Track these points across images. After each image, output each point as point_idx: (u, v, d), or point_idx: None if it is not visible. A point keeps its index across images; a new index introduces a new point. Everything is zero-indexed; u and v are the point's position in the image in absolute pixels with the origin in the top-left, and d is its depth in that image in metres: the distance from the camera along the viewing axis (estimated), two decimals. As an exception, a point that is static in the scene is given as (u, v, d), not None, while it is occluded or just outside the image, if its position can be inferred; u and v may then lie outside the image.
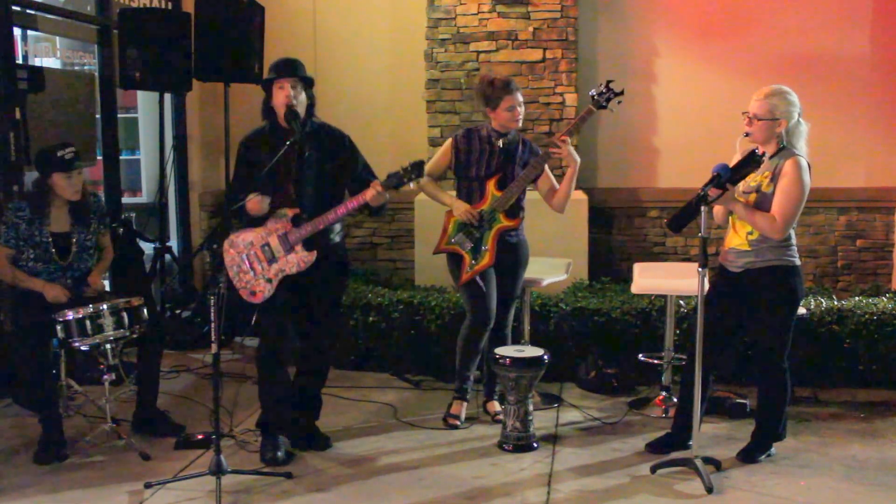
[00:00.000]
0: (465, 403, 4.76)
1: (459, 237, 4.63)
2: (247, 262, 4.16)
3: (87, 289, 4.51)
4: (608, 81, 4.52)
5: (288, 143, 4.02)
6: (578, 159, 4.55)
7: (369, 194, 4.01)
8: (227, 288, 4.15)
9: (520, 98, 4.58)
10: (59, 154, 4.34)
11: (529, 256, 4.79)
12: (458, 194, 4.70)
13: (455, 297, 5.55)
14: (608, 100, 4.52)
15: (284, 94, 4.08)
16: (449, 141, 4.73)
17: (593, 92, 4.56)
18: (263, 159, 4.06)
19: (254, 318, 4.24)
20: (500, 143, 4.60)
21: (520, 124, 4.62)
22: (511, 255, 4.66)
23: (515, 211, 4.63)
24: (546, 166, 4.67)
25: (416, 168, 4.00)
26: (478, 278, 4.60)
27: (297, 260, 4.10)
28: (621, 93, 4.52)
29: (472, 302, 4.65)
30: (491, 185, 4.58)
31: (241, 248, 4.18)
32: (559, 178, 4.69)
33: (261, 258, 4.14)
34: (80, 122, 5.97)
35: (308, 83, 4.18)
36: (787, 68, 6.33)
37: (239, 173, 4.26)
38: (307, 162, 4.12)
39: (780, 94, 3.96)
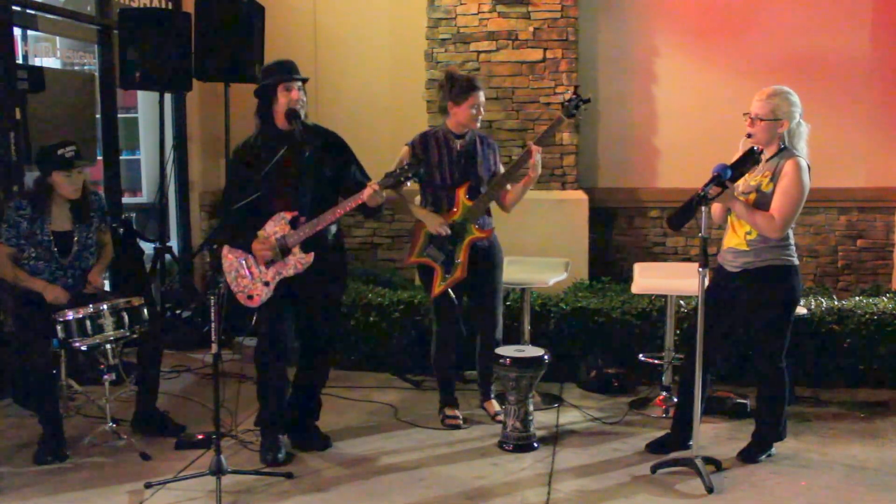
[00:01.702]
0: (455, 408, 4.78)
1: (431, 249, 4.59)
2: (244, 267, 4.16)
3: (88, 286, 4.51)
4: (576, 87, 4.63)
5: (289, 143, 4.02)
6: (539, 171, 4.54)
7: (366, 194, 4.00)
8: (227, 288, 4.16)
9: (483, 98, 4.55)
10: (60, 152, 4.34)
11: (503, 258, 4.77)
12: (423, 201, 4.66)
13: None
14: (577, 107, 4.56)
15: (294, 97, 4.07)
16: (405, 149, 4.64)
17: (563, 100, 4.62)
18: (259, 165, 4.05)
19: (254, 319, 4.24)
20: (459, 144, 4.58)
21: (478, 125, 4.60)
22: (485, 260, 4.65)
23: (486, 220, 4.62)
24: (501, 165, 4.74)
25: (413, 167, 4.00)
26: (450, 291, 4.61)
27: (295, 262, 4.09)
28: (588, 100, 4.59)
29: (438, 315, 4.70)
30: (461, 195, 4.55)
31: (238, 253, 4.17)
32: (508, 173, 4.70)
33: (258, 262, 4.13)
34: (80, 122, 5.97)
35: (305, 82, 4.19)
36: (787, 68, 6.32)
37: (234, 180, 4.21)
38: (306, 164, 4.11)
39: (782, 95, 3.97)
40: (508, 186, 4.67)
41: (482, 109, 4.56)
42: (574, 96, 4.57)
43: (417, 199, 4.75)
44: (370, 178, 4.23)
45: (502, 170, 4.72)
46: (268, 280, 4.12)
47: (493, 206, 4.71)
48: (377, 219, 4.37)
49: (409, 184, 4.06)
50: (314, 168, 4.12)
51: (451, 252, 4.57)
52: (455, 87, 4.51)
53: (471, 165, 4.60)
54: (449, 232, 4.52)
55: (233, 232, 4.15)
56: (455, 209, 4.57)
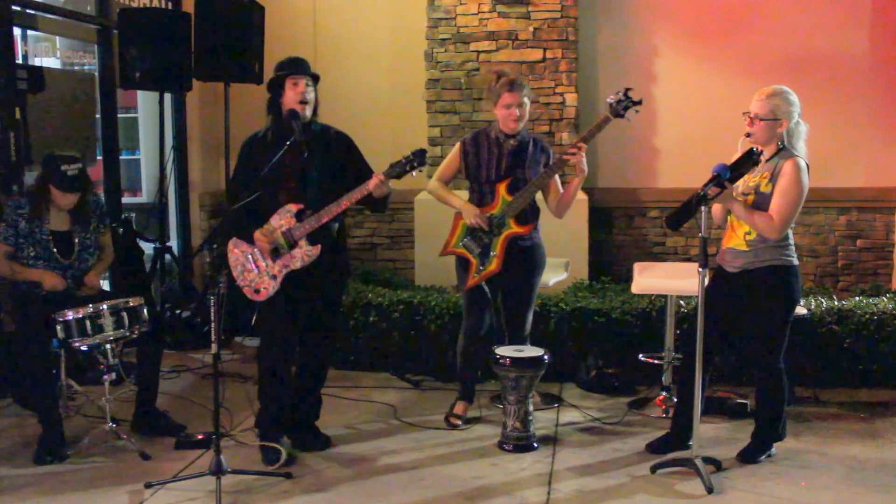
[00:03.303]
0: (468, 404, 4.79)
1: (467, 241, 4.58)
2: (251, 261, 4.16)
3: (83, 287, 4.51)
4: (627, 89, 4.40)
5: (288, 143, 4.03)
6: (586, 170, 4.46)
7: (372, 184, 4.01)
8: (228, 288, 4.16)
9: (520, 99, 4.47)
10: (63, 168, 4.32)
11: (546, 261, 4.71)
12: (470, 198, 4.65)
13: (454, 298, 5.55)
14: (626, 108, 4.39)
15: (299, 91, 4.08)
16: (457, 145, 4.67)
17: (611, 100, 4.42)
18: (267, 159, 4.06)
19: (254, 319, 4.24)
20: (509, 144, 4.54)
21: (518, 126, 4.52)
22: (524, 260, 4.61)
23: (527, 217, 4.56)
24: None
25: (419, 157, 4.00)
26: (483, 284, 4.60)
27: (301, 255, 4.10)
28: (639, 102, 4.40)
29: (469, 308, 4.68)
30: (502, 189, 4.52)
31: (245, 248, 4.18)
32: (563, 183, 4.64)
33: (265, 255, 4.14)
34: (80, 122, 5.97)
35: (316, 80, 4.21)
36: (787, 68, 6.33)
37: (240, 172, 4.25)
38: (311, 163, 4.12)
39: (781, 95, 3.97)
40: (560, 189, 4.59)
41: (518, 111, 4.47)
42: (624, 97, 4.40)
43: (465, 194, 4.71)
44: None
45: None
46: (275, 273, 4.12)
47: (544, 211, 4.65)
48: (381, 212, 4.34)
49: (414, 174, 4.05)
50: (320, 168, 4.14)
51: (487, 245, 4.54)
52: (491, 87, 4.52)
53: (517, 164, 4.55)
54: (486, 223, 4.50)
55: (237, 225, 4.16)
56: (495, 203, 4.54)
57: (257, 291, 4.16)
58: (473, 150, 4.60)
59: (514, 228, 4.52)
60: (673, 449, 4.23)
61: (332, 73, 6.92)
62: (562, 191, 4.60)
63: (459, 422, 4.71)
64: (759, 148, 3.91)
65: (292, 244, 4.09)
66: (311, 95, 4.13)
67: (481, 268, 4.55)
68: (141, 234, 6.44)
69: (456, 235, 4.63)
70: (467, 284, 4.60)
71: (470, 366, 4.77)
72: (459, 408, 4.77)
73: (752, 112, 3.98)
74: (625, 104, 4.40)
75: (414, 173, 4.05)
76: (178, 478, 3.99)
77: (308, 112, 4.13)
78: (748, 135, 3.99)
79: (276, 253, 4.12)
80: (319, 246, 4.09)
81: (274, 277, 4.13)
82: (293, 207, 4.09)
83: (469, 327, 4.70)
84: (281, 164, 4.03)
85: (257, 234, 4.09)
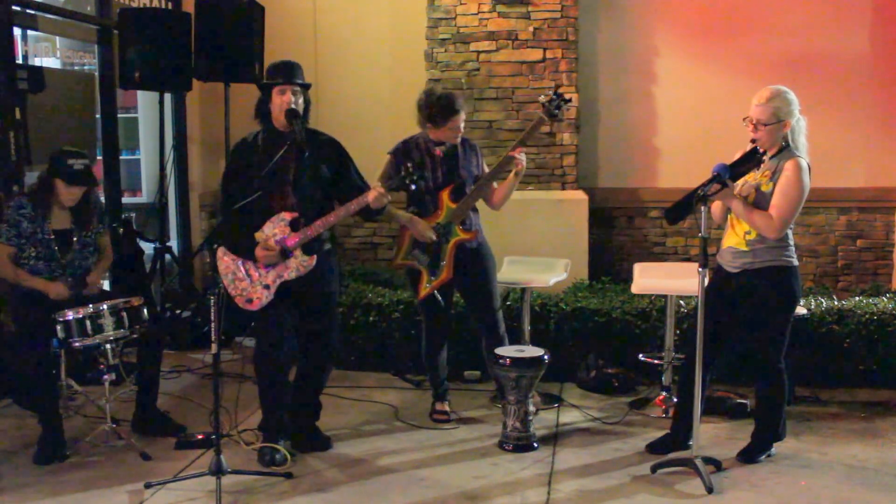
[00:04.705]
0: (446, 402, 4.85)
1: (416, 252, 4.60)
2: (242, 269, 4.13)
3: (86, 288, 4.50)
4: (557, 86, 4.60)
5: (288, 143, 4.01)
6: (524, 170, 4.59)
7: (371, 196, 4.00)
8: (225, 290, 4.14)
9: (463, 117, 4.56)
10: (70, 162, 4.33)
11: (494, 256, 4.75)
12: (408, 206, 4.65)
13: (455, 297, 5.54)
14: (558, 107, 4.58)
15: (285, 100, 4.06)
16: (389, 158, 4.64)
17: (543, 100, 4.62)
18: (259, 164, 4.03)
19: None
20: (440, 150, 4.57)
21: (458, 141, 4.61)
22: (475, 262, 4.65)
23: (470, 221, 4.61)
24: (486, 166, 4.73)
25: (418, 171, 4.01)
26: (436, 293, 4.62)
27: (297, 265, 4.08)
28: (569, 100, 4.63)
29: (427, 316, 4.75)
30: (445, 197, 4.55)
31: (235, 256, 4.15)
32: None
33: (258, 265, 4.12)
34: (80, 122, 5.96)
35: (306, 88, 4.17)
36: (787, 68, 6.33)
37: (230, 179, 4.18)
38: (305, 165, 4.10)
39: (780, 96, 3.96)
40: (495, 185, 4.69)
41: (462, 127, 4.58)
42: (555, 97, 4.58)
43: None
44: (368, 184, 4.22)
45: (487, 170, 4.72)
46: (268, 283, 4.10)
47: (484, 207, 4.72)
48: (375, 221, 4.34)
49: (413, 187, 4.06)
50: (312, 170, 4.11)
51: (436, 254, 4.57)
52: (434, 112, 4.50)
53: (453, 168, 4.60)
54: (435, 238, 4.54)
55: (231, 236, 4.12)
56: (439, 211, 4.57)
57: (250, 301, 4.12)
58: (406, 159, 4.53)
59: (461, 235, 4.57)
60: (673, 449, 4.24)
61: (332, 73, 6.95)
62: (496, 187, 4.70)
63: (448, 416, 4.77)
64: (763, 148, 3.91)
65: (287, 254, 4.08)
66: (298, 103, 4.08)
67: (432, 278, 4.59)
68: (141, 234, 6.44)
69: (404, 247, 4.64)
70: (420, 295, 4.65)
71: (436, 369, 4.84)
72: (441, 406, 4.84)
73: (755, 118, 3.96)
74: (556, 103, 4.56)
75: (413, 187, 4.06)
76: (178, 478, 3.99)
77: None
78: (753, 141, 3.97)
79: (270, 263, 4.10)
80: (315, 257, 4.07)
81: (267, 287, 4.10)
82: (287, 216, 4.06)
83: (428, 334, 4.78)
84: (276, 164, 4.01)
85: (259, 252, 4.05)
